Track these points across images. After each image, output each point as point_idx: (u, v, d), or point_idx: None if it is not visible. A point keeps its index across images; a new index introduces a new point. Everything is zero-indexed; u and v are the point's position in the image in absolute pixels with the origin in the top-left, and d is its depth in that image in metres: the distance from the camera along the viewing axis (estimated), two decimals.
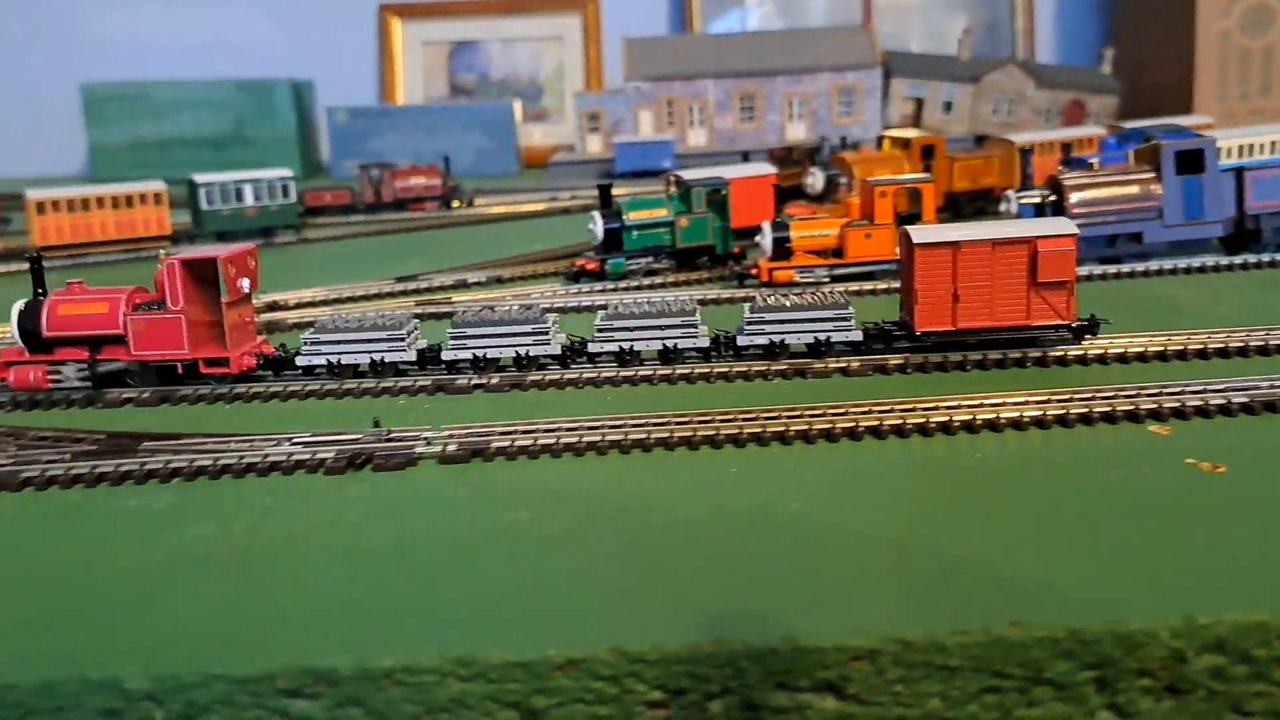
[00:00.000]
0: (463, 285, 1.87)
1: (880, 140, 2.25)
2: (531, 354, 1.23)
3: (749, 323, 1.22)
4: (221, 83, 4.36)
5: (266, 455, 0.98)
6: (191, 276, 1.23)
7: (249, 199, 2.47)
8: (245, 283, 1.24)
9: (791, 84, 3.80)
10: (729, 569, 0.76)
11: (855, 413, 1.03)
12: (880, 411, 1.02)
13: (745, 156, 2.59)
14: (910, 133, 2.32)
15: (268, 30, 4.76)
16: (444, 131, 4.29)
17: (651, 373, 1.21)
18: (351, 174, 4.20)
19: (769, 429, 1.00)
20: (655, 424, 1.02)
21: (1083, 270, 1.53)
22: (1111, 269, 1.66)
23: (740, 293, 1.62)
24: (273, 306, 1.73)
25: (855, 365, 1.20)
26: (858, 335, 1.22)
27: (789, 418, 1.02)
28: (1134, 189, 1.63)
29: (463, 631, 0.68)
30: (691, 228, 1.71)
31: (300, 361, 1.24)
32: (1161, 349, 1.20)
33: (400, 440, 1.01)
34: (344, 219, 2.86)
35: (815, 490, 0.89)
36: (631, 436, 0.99)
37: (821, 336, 1.21)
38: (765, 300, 1.24)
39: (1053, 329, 1.20)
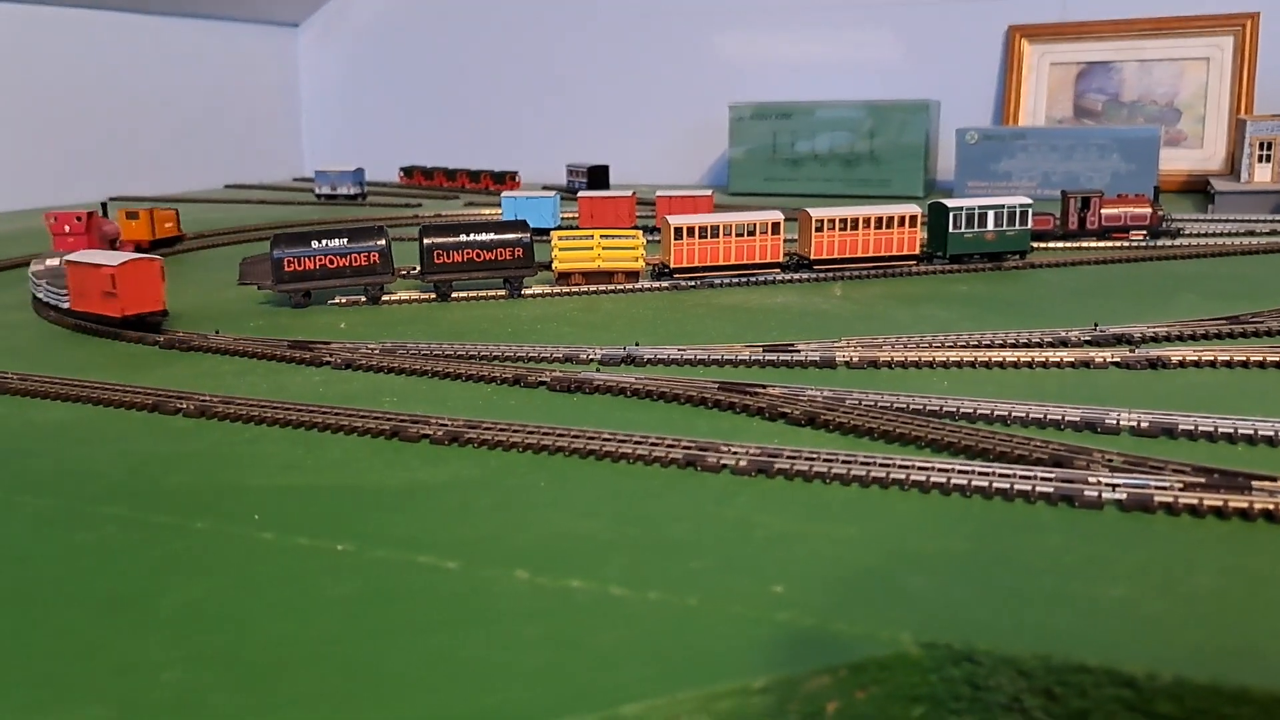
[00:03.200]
0: None
1: None
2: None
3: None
4: (857, 103, 4.58)
5: None
6: None
7: (990, 224, 2.57)
8: None
9: None
10: None
11: None
12: None
13: None
14: None
15: (897, 52, 4.94)
16: (1079, 155, 4.22)
17: None
18: (970, 193, 4.26)
19: None
20: None
21: None
22: None
23: None
24: (1122, 339, 1.77)
25: None
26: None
27: None
28: None
29: None
30: None
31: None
32: None
33: None
34: (1041, 244, 2.88)
35: None
36: None
37: None
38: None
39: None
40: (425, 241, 2.26)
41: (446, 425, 1.33)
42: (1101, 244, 2.85)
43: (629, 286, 2.44)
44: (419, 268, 2.30)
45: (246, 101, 5.79)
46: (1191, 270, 2.53)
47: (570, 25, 5.56)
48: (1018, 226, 2.58)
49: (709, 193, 3.28)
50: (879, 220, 2.52)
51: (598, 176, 4.69)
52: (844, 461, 1.18)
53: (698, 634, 0.85)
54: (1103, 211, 2.87)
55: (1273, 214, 3.42)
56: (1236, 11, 4.25)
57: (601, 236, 2.46)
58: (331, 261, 2.18)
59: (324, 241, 2.17)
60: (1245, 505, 1.04)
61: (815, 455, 1.20)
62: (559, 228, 3.31)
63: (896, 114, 4.48)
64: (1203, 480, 1.09)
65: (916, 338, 1.80)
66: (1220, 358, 1.62)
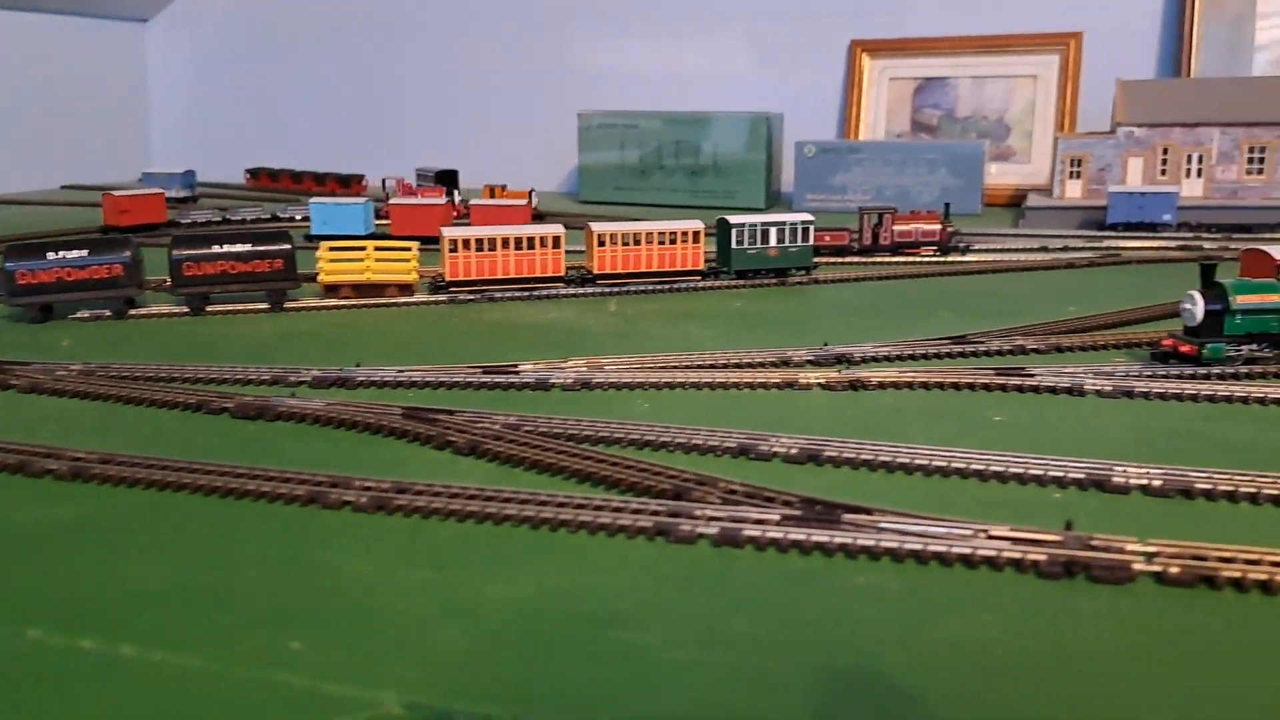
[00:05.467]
0: (1020, 351, 1.83)
1: None
2: None
3: None
4: (699, 115, 4.59)
5: (976, 549, 1.00)
6: None
7: (773, 240, 2.58)
8: None
9: None
10: None
11: None
12: None
13: None
14: None
15: (741, 64, 4.96)
16: (910, 169, 4.28)
17: None
18: (808, 207, 4.30)
19: None
20: None
21: None
22: None
23: None
24: (842, 359, 1.77)
25: None
26: None
27: None
28: None
29: None
30: None
31: None
32: None
33: (1107, 550, 0.99)
34: (838, 259, 2.91)
35: None
36: None
37: None
38: None
39: None
40: (174, 253, 2.19)
41: (79, 460, 1.27)
42: (893, 260, 2.89)
43: (402, 301, 2.39)
44: (169, 280, 2.23)
45: (90, 99, 5.59)
46: (964, 287, 2.57)
47: (427, 28, 5.48)
48: (800, 243, 2.60)
49: (524, 202, 3.24)
50: (662, 235, 2.51)
51: (447, 180, 4.62)
52: (451, 495, 1.15)
53: (182, 698, 0.80)
54: (895, 228, 2.91)
55: (1079, 229, 3.51)
56: (1061, 31, 4.35)
57: (375, 248, 2.41)
58: (69, 274, 2.09)
59: (61, 253, 2.09)
60: (826, 540, 1.04)
61: (446, 490, 1.17)
62: (370, 236, 3.25)
63: (737, 126, 4.50)
64: (799, 513, 1.09)
65: (648, 358, 1.79)
66: (919, 379, 1.63)
